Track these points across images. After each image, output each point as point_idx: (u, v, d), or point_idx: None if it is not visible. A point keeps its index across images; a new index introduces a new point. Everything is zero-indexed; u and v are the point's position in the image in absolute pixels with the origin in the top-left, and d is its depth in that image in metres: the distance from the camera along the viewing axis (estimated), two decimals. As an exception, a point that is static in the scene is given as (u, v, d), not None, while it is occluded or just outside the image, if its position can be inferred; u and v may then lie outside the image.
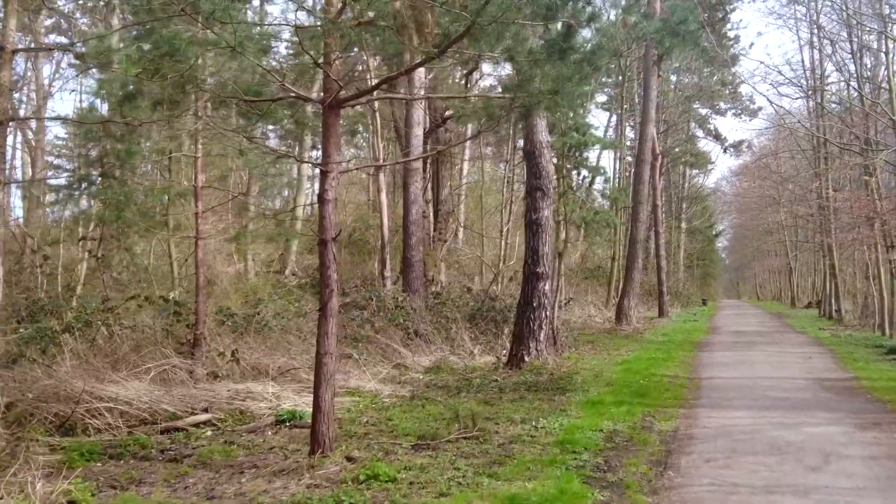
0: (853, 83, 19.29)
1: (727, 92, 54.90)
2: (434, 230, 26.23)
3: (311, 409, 9.56)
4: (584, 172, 17.68)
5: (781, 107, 21.09)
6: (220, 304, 12.94)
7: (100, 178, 10.91)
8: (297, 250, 27.19)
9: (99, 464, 7.19)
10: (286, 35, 9.17)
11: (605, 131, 49.54)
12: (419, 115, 18.83)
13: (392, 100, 20.22)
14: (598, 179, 26.51)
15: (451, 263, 30.30)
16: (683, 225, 60.74)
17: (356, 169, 22.45)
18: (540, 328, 13.51)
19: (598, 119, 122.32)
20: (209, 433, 8.46)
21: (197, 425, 8.60)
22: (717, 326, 28.21)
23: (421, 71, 17.18)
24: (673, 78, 48.38)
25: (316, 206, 25.26)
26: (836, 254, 27.37)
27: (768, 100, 61.35)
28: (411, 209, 18.82)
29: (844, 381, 11.82)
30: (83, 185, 11.57)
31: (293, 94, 6.82)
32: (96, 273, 16.10)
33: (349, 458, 6.92)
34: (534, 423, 8.59)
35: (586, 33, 6.99)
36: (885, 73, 16.86)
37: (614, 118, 46.75)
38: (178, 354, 10.23)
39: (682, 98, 45.42)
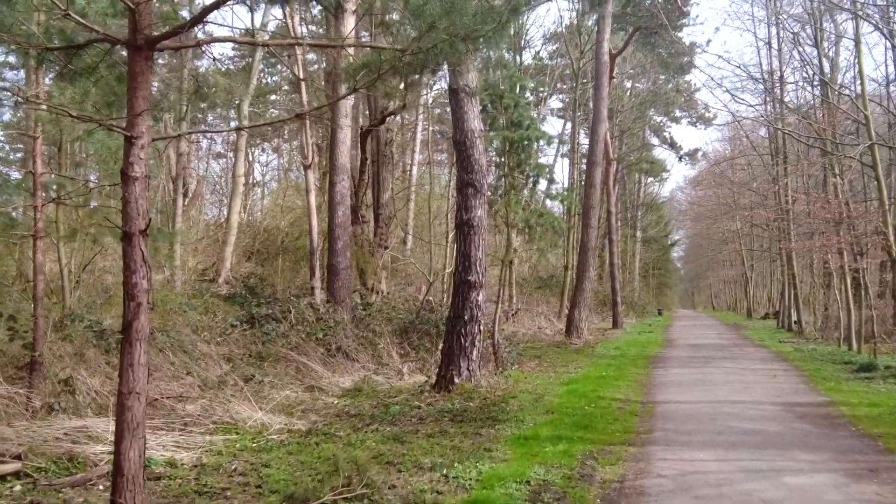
0: (816, 77, 18.01)
1: (682, 100, 54.30)
2: (374, 236, 24.34)
3: (172, 453, 7.61)
4: (529, 171, 15.94)
5: (738, 112, 19.70)
6: (89, 317, 10.83)
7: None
8: (236, 256, 25.19)
9: None
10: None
11: (560, 139, 48.39)
12: (346, 108, 16.91)
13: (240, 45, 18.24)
14: (556, 186, 25.00)
15: (395, 272, 28.47)
16: (639, 234, 59.83)
17: (178, 137, 19.82)
18: (472, 345, 11.69)
19: (553, 127, 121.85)
20: (18, 488, 6.43)
21: (4, 477, 6.55)
22: (672, 339, 26.78)
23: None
24: (628, 84, 47.46)
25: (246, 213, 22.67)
26: (796, 262, 26.14)
27: (730, 99, 60.87)
28: (337, 210, 16.89)
29: (819, 407, 10.21)
30: None
31: (97, 35, 4.92)
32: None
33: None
34: (446, 470, 6.74)
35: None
36: (855, 62, 15.53)
37: (569, 126, 45.58)
38: (11, 381, 8.16)
39: (637, 103, 44.37)
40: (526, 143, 15.56)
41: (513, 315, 23.35)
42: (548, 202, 32.36)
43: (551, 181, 16.06)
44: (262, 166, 52.13)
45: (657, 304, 61.43)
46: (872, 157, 13.50)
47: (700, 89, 59.21)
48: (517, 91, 15.19)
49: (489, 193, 17.05)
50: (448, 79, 12.52)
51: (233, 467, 7.08)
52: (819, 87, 18.76)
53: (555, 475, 6.58)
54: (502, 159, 16.13)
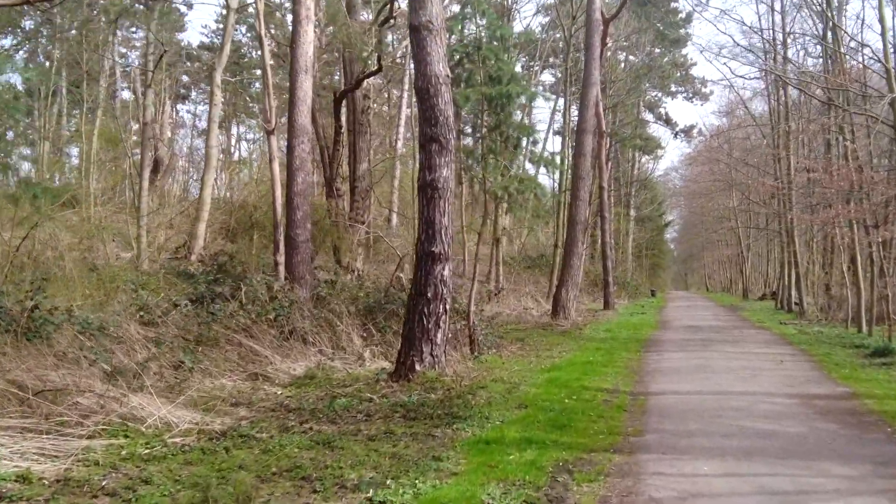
0: (823, 25, 16.28)
1: (678, 74, 52.71)
2: (350, 210, 22.68)
3: (32, 463, 5.99)
4: (509, 132, 14.28)
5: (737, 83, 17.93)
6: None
7: None
8: (211, 234, 23.65)
9: None
10: None
11: (552, 115, 46.69)
12: (307, 59, 15.14)
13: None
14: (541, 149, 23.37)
15: (378, 251, 26.91)
16: (633, 213, 58.32)
17: None
18: (436, 327, 10.08)
19: (545, 104, 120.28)
20: None
21: None
22: (667, 320, 25.27)
23: None
24: (622, 56, 45.75)
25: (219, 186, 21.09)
26: (798, 239, 24.56)
27: (729, 72, 58.87)
28: (296, 177, 15.20)
29: (841, 401, 8.65)
30: None
31: None
32: None
33: None
34: (373, 490, 5.14)
35: None
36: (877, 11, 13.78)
37: (562, 102, 43.94)
38: None
39: (632, 76, 42.57)
40: (505, 100, 13.91)
41: (496, 294, 21.76)
42: (535, 172, 30.78)
43: (534, 143, 14.36)
44: (250, 143, 50.35)
45: (650, 285, 60.07)
46: (894, 113, 11.86)
47: (696, 64, 57.56)
48: (498, 40, 13.51)
49: (466, 159, 15.42)
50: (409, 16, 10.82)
51: (103, 483, 5.46)
52: (831, 34, 16.97)
53: (516, 497, 4.98)
54: (480, 119, 14.51)
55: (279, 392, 10.18)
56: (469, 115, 14.79)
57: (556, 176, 24.71)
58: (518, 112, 30.25)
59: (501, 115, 14.17)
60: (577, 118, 22.81)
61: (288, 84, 17.40)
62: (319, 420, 7.92)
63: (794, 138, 21.39)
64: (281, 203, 16.91)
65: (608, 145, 44.17)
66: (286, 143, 17.05)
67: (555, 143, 44.82)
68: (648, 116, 55.03)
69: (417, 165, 18.29)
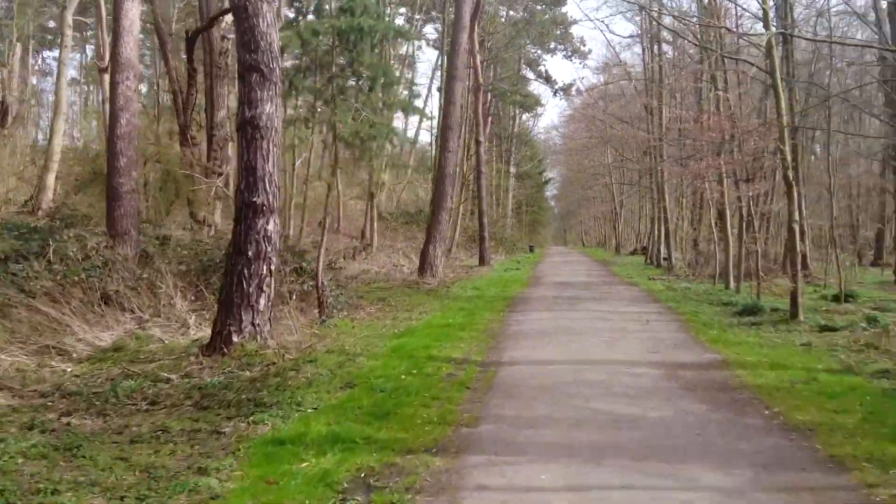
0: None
1: (558, 32, 52.24)
2: (207, 160, 20.52)
3: None
4: (362, 72, 12.69)
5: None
6: None
7: None
8: (64, 186, 21.05)
9: None
10: None
11: (433, 71, 45.05)
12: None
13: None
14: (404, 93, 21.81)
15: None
16: (513, 169, 58.01)
17: None
18: (259, 291, 8.54)
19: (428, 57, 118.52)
20: None
21: None
22: (539, 276, 24.64)
23: None
24: (503, 11, 44.60)
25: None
26: (668, 195, 24.32)
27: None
28: (119, 118, 13.08)
29: (710, 371, 7.77)
30: None
31: None
32: None
33: None
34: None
35: None
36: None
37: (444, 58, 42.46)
38: None
39: (513, 32, 41.46)
40: (358, 35, 12.30)
41: (361, 251, 20.29)
42: (405, 125, 29.27)
43: (389, 84, 12.83)
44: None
45: (530, 241, 60.27)
46: (770, 58, 11.09)
47: (576, 22, 57.23)
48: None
49: (315, 100, 13.77)
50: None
51: None
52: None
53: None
54: (330, 57, 12.84)
55: (68, 370, 8.44)
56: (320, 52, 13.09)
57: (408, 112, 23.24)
58: (396, 64, 28.61)
59: (354, 53, 12.57)
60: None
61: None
62: (89, 411, 6.31)
63: (666, 90, 20.84)
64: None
65: (487, 100, 43.25)
66: (109, 80, 14.85)
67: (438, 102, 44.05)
68: (529, 74, 54.49)
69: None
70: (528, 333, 10.83)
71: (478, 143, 30.93)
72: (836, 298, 13.65)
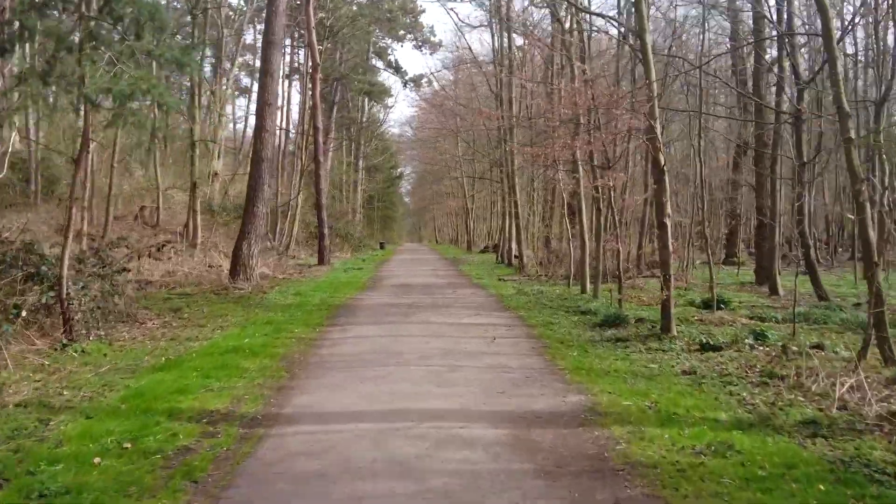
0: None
1: (407, 20, 50.25)
2: None
3: None
4: (125, 15, 9.52)
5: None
6: None
7: None
8: None
9: None
10: None
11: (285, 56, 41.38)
12: None
13: None
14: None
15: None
16: (362, 162, 55.31)
17: None
18: None
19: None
20: None
21: None
22: (381, 277, 22.07)
23: None
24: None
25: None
26: (519, 191, 22.39)
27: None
28: None
29: (577, 428, 5.37)
30: None
31: None
32: None
33: None
34: None
35: None
36: None
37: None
38: None
39: (357, 13, 38.70)
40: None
41: (158, 250, 16.83)
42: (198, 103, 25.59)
43: (160, 30, 9.69)
44: None
45: (382, 238, 57.80)
46: (638, 12, 9.00)
47: (425, 11, 55.29)
48: None
49: (57, 47, 10.37)
50: None
51: None
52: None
53: None
54: (82, 8, 9.55)
55: None
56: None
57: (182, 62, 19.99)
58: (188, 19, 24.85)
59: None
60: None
61: None
62: None
63: (518, 70, 18.83)
64: None
65: (331, 85, 40.23)
66: None
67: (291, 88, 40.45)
68: (379, 64, 52.10)
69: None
70: (336, 362, 8.14)
71: (315, 128, 27.88)
72: (706, 305, 11.90)
